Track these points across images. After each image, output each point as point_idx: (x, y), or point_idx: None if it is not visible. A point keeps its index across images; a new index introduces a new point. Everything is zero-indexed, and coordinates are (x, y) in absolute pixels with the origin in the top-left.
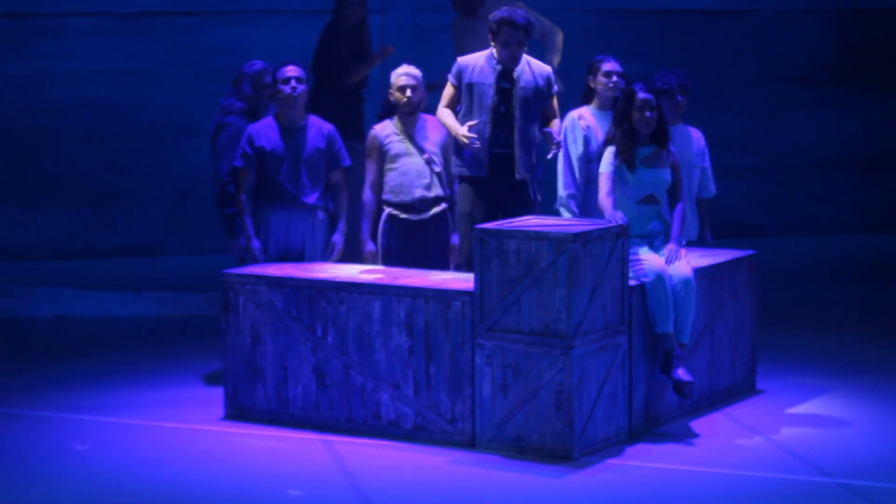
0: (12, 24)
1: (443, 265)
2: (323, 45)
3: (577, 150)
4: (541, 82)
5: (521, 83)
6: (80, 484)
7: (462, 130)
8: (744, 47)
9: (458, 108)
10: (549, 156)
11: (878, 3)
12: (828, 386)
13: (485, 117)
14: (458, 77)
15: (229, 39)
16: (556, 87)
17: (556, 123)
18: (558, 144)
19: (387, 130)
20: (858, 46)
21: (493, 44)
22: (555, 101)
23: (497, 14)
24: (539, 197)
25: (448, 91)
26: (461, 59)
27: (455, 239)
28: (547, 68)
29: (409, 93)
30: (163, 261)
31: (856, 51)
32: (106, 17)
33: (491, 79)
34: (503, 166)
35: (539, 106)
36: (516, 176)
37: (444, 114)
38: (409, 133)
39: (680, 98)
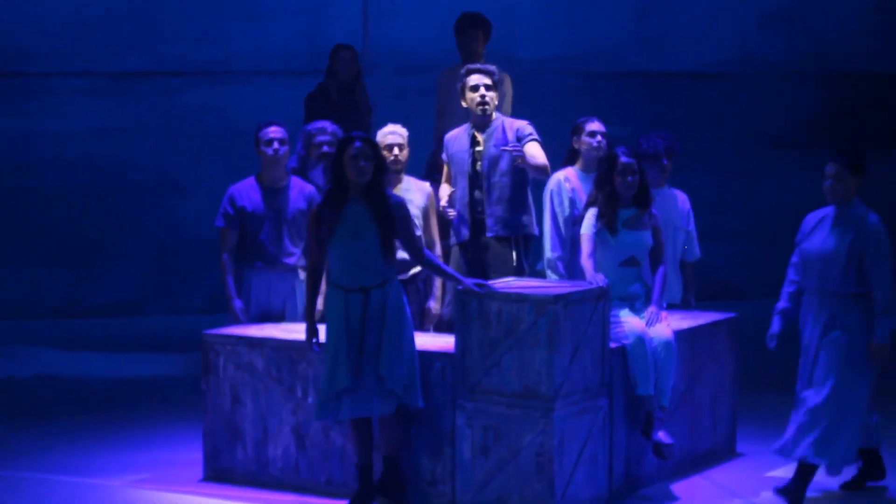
0: None
1: (418, 326)
2: (314, 101)
3: (563, 212)
4: (512, 137)
5: (492, 141)
6: None
7: (442, 202)
8: (727, 110)
9: None
10: (511, 151)
11: (858, 67)
12: None
13: (464, 182)
14: (445, 151)
15: (213, 99)
16: (529, 136)
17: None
18: (520, 157)
19: None
20: (840, 109)
21: (464, 102)
22: (534, 147)
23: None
24: (526, 264)
25: (445, 168)
26: (446, 136)
27: (431, 302)
28: (520, 123)
29: (395, 151)
30: (143, 320)
31: (837, 113)
32: (90, 77)
33: (466, 145)
34: (483, 228)
35: (515, 162)
36: (487, 233)
37: (440, 189)
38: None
39: (665, 161)
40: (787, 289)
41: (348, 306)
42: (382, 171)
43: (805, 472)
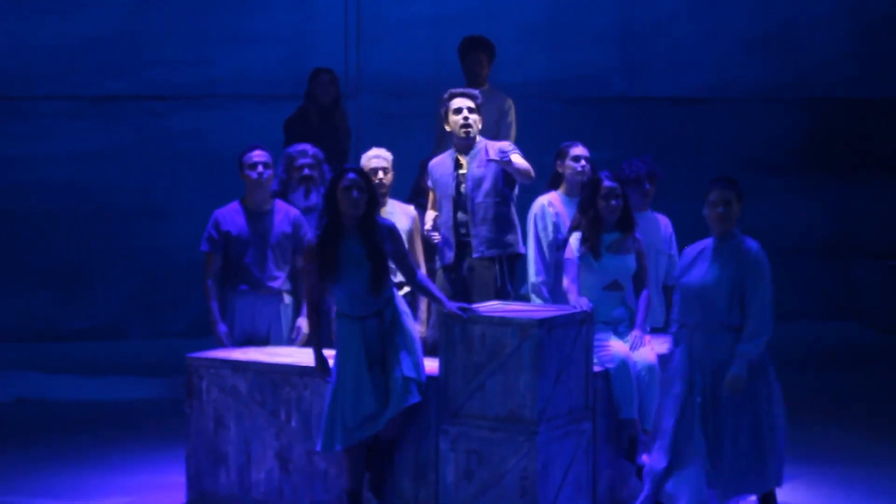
0: None
1: None
2: (293, 125)
3: (547, 236)
4: (494, 157)
5: (475, 162)
6: None
7: (427, 226)
8: (709, 134)
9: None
10: (499, 161)
11: (839, 91)
12: (791, 474)
13: (449, 205)
14: (430, 177)
15: (196, 123)
16: (513, 150)
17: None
18: (506, 162)
19: None
20: (821, 134)
21: (447, 126)
22: (518, 157)
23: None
24: (510, 287)
25: (430, 195)
26: (430, 163)
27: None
28: (502, 143)
29: (380, 175)
30: (127, 343)
31: (819, 138)
32: (73, 101)
33: (450, 169)
34: (468, 250)
35: (500, 182)
36: (474, 254)
37: (426, 215)
38: None
39: (648, 186)
40: (673, 329)
41: (365, 332)
42: (375, 204)
43: (767, 500)
